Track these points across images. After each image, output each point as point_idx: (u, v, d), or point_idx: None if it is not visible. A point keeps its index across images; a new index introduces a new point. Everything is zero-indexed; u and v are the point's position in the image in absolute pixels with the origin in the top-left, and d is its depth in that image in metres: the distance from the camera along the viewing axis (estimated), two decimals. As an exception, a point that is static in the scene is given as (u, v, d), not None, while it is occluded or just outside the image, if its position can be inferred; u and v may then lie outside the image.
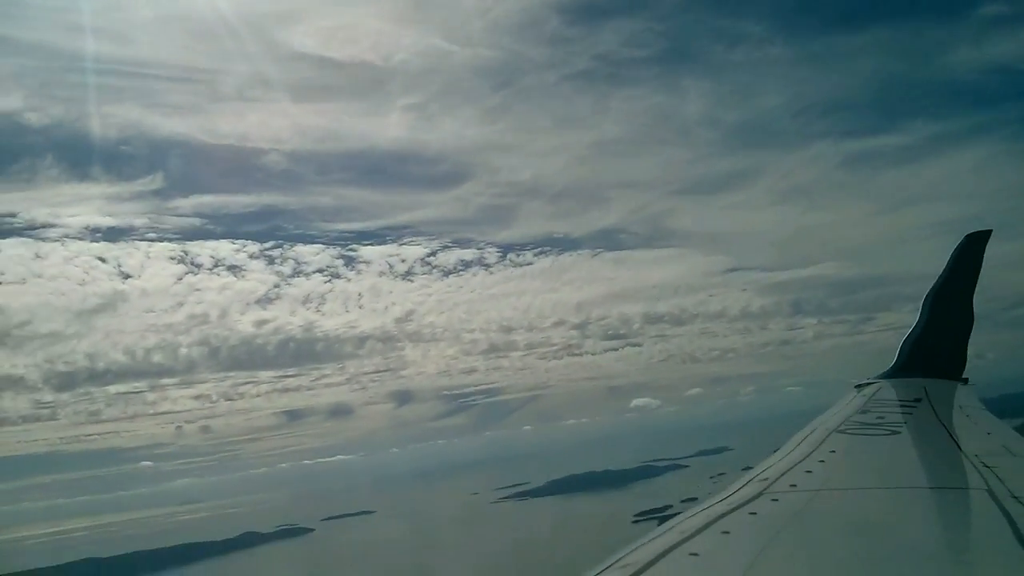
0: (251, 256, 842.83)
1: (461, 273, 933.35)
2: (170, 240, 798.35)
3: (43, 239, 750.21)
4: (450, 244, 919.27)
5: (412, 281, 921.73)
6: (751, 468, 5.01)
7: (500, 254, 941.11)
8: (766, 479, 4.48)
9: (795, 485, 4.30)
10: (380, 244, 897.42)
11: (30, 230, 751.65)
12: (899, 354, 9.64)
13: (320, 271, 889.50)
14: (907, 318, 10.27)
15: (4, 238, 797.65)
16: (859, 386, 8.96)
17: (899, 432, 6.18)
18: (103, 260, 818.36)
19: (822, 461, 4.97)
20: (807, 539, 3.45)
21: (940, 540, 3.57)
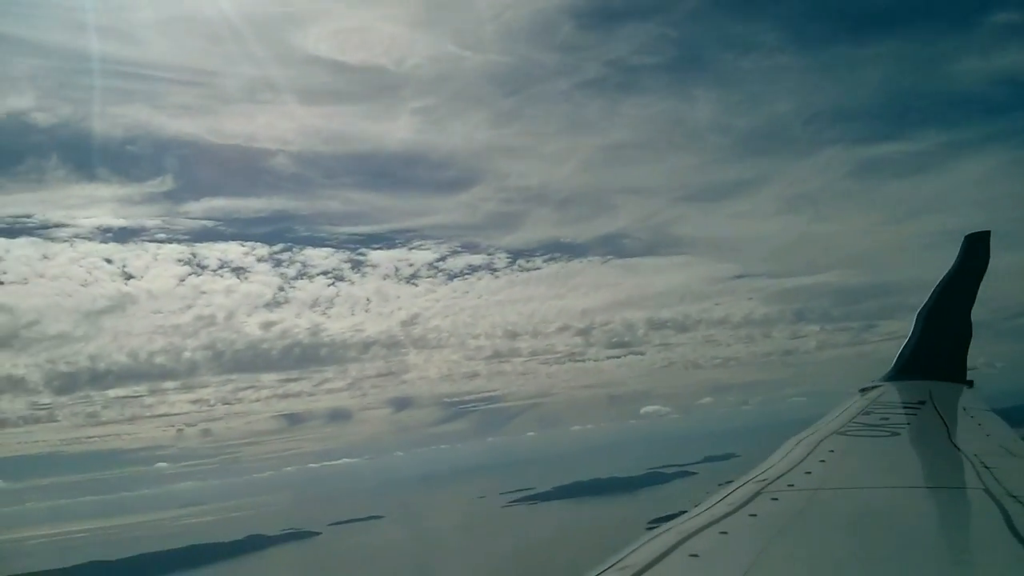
0: (259, 259, 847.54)
1: (467, 277, 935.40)
2: (179, 242, 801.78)
3: (52, 239, 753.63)
4: (459, 249, 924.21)
5: (417, 285, 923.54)
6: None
7: (509, 259, 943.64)
8: (765, 479, 4.51)
9: (793, 485, 4.34)
10: (389, 248, 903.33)
11: (42, 229, 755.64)
12: (899, 357, 9.62)
13: (325, 273, 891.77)
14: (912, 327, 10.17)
15: (15, 237, 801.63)
16: (863, 390, 8.96)
17: (899, 433, 6.22)
18: (109, 261, 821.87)
19: (822, 461, 5.02)
20: (806, 539, 3.46)
21: (938, 539, 3.62)
